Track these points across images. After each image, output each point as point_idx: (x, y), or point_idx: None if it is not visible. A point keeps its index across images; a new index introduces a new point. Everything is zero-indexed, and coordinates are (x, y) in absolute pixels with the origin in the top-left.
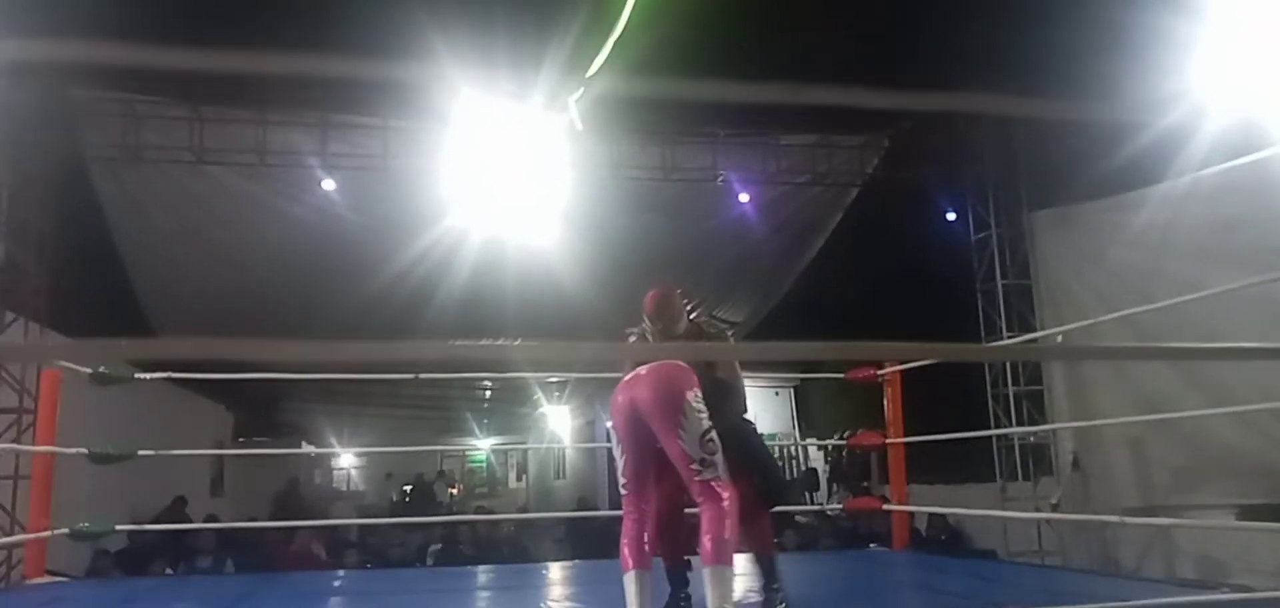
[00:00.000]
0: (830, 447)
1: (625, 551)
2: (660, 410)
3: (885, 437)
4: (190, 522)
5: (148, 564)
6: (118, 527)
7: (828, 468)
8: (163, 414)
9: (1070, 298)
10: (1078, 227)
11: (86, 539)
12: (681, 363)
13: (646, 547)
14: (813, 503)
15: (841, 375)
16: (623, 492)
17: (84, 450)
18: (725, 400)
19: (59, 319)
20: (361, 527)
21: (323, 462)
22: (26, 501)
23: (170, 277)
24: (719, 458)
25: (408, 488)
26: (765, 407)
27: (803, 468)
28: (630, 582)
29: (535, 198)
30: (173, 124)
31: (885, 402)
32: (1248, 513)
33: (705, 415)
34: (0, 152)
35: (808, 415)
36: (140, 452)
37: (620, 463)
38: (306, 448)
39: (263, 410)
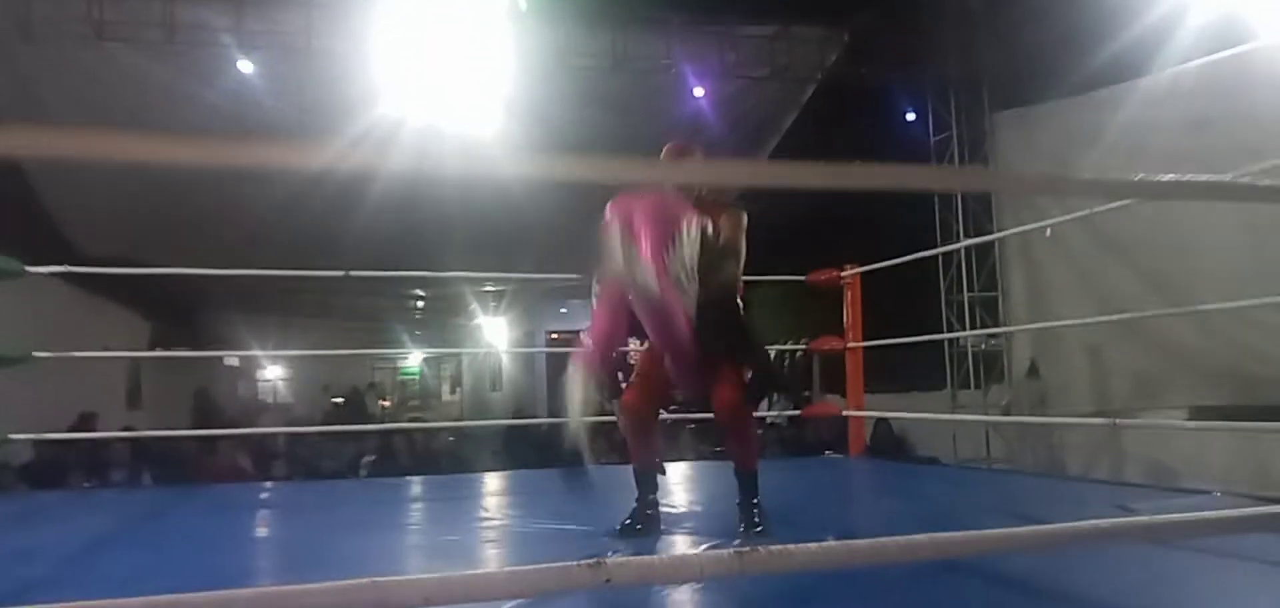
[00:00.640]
0: (775, 355)
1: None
2: (654, 222)
3: (845, 341)
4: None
5: (61, 479)
6: (11, 437)
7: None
8: (69, 322)
9: (1030, 203)
10: (1042, 128)
11: None
12: (685, 199)
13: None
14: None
15: (802, 279)
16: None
17: None
18: (719, 264)
19: None
20: (290, 438)
21: (247, 373)
22: None
23: (72, 171)
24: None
25: (338, 400)
26: None
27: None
28: None
29: (475, 85)
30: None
31: (845, 305)
32: (1198, 415)
33: (696, 253)
34: None
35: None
36: (37, 354)
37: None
38: (226, 356)
39: (182, 319)
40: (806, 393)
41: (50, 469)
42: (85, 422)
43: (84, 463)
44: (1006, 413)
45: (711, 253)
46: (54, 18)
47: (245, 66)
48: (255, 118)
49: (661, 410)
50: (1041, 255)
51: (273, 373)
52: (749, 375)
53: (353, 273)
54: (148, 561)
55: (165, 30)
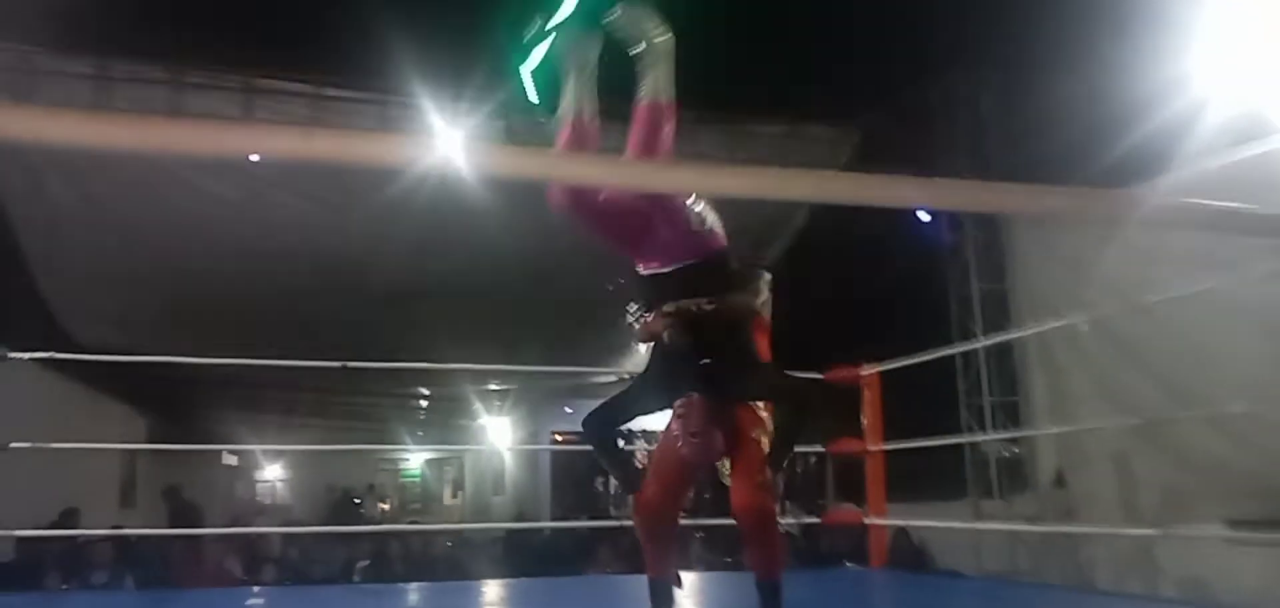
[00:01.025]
0: (785, 463)
1: None
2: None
3: (866, 444)
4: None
5: (39, 580)
6: None
7: (783, 485)
8: (61, 415)
9: (1047, 305)
10: (1054, 229)
11: None
12: None
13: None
14: None
15: (818, 377)
16: None
17: None
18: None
19: None
20: (282, 540)
21: (245, 473)
22: None
23: (72, 257)
24: None
25: (339, 502)
26: None
27: None
28: None
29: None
30: (75, 82)
31: (864, 406)
32: (1236, 529)
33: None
34: None
35: None
36: (14, 444)
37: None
38: (221, 450)
39: (179, 418)
40: (821, 501)
41: (28, 570)
42: (67, 519)
43: (64, 564)
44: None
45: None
46: (60, 102)
47: (253, 156)
48: (264, 211)
49: (680, 512)
50: (1063, 361)
51: (272, 473)
52: (773, 429)
53: (350, 364)
54: None
55: (173, 119)
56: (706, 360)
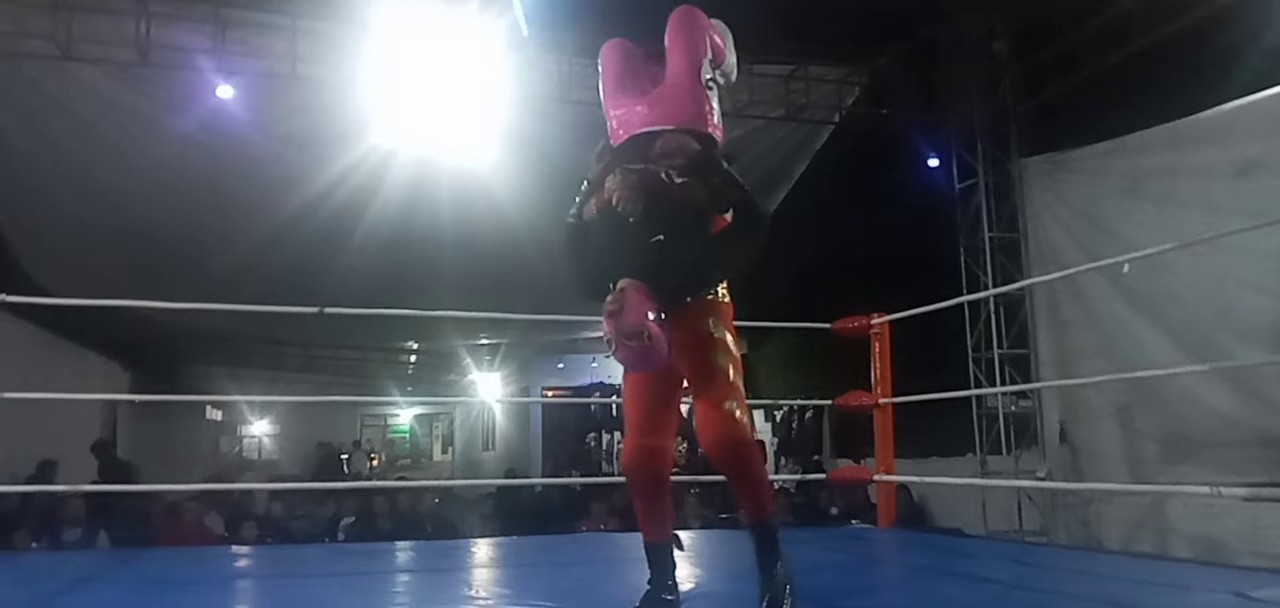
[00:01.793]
0: (779, 418)
1: None
2: None
3: (875, 397)
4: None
5: (8, 538)
6: None
7: (776, 441)
8: (41, 367)
9: (1058, 255)
10: (1072, 175)
11: None
12: None
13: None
14: None
15: (825, 327)
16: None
17: None
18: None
19: None
20: (267, 496)
21: (229, 428)
22: None
23: (34, 203)
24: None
25: (326, 457)
26: None
27: None
28: None
29: (471, 116)
30: (32, 10)
31: (873, 357)
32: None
33: None
34: None
35: (753, 388)
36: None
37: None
38: (202, 400)
39: (163, 372)
40: (816, 457)
41: (3, 525)
42: (44, 472)
43: (36, 521)
44: (1049, 479)
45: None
46: (14, 34)
47: (224, 92)
48: (234, 149)
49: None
50: (1069, 315)
51: (258, 429)
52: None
53: (328, 310)
54: None
55: (138, 51)
56: (660, 237)
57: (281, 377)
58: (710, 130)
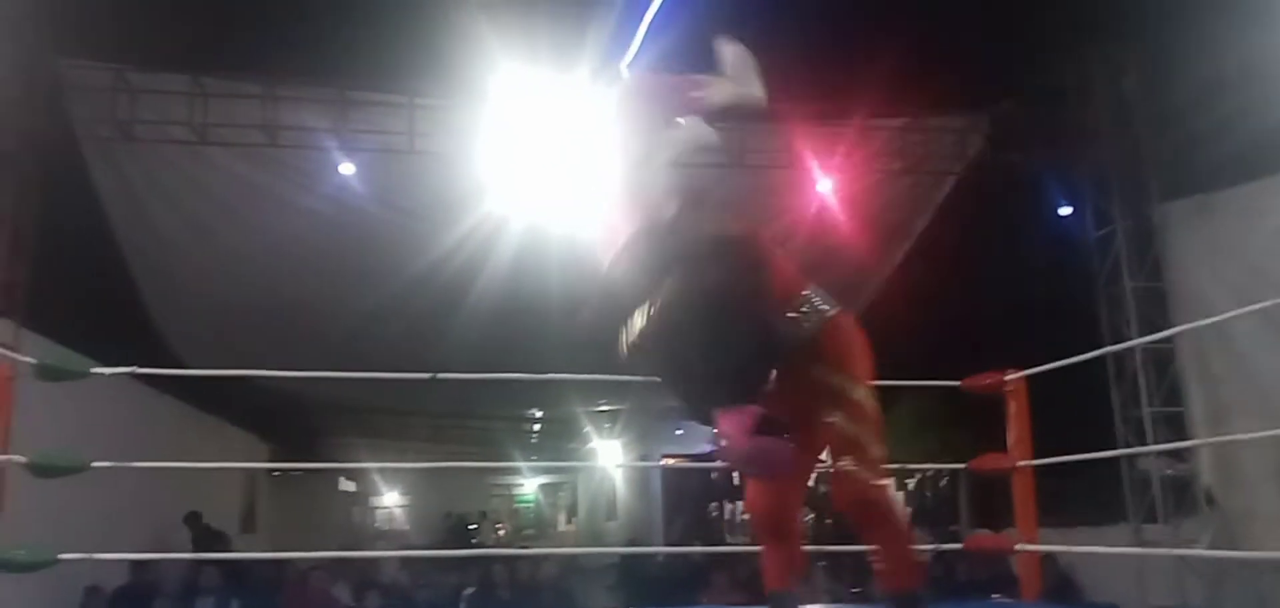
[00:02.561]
0: (913, 485)
1: None
2: None
3: (1012, 460)
4: (205, 545)
5: (149, 603)
6: (62, 555)
7: (909, 510)
8: (183, 441)
9: (1206, 305)
10: (1218, 219)
11: (14, 570)
12: None
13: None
14: None
15: (955, 385)
16: None
17: (21, 459)
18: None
19: (42, 320)
20: (396, 565)
21: (362, 499)
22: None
23: (171, 276)
24: None
25: (454, 527)
26: None
27: None
28: None
29: (583, 183)
30: (170, 99)
31: (1008, 417)
32: None
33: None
34: None
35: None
36: (95, 464)
37: None
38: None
39: (300, 446)
40: (953, 527)
41: (141, 593)
42: (193, 520)
43: (175, 590)
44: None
45: None
46: (156, 121)
47: (346, 168)
48: (355, 222)
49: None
50: (1220, 369)
51: (389, 500)
52: None
53: (441, 375)
54: None
55: (267, 133)
56: None
57: (411, 448)
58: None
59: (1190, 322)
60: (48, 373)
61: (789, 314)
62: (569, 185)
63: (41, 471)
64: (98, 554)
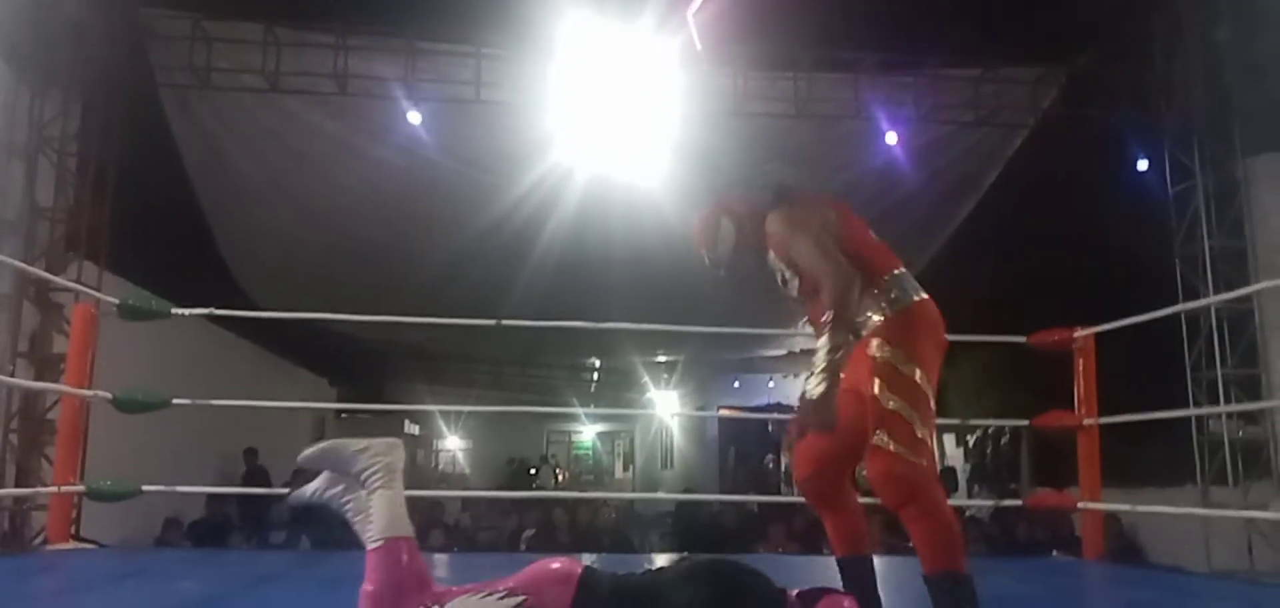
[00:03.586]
0: (973, 443)
1: None
2: None
3: (1078, 417)
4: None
5: (224, 537)
6: (144, 487)
7: (969, 467)
8: (258, 382)
9: None
10: None
11: (103, 499)
12: None
13: None
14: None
15: (1022, 341)
16: None
17: (107, 395)
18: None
19: (123, 263)
20: (458, 507)
21: (426, 442)
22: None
23: (245, 221)
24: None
25: (513, 471)
26: None
27: (939, 467)
28: None
29: (645, 133)
30: (245, 47)
31: (1076, 374)
32: None
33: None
34: (59, 72)
35: (944, 409)
36: (175, 401)
37: None
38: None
39: (368, 390)
40: (1013, 486)
41: (215, 528)
42: (249, 456)
43: (247, 524)
44: None
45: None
46: (232, 69)
47: (414, 118)
48: (423, 171)
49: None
50: None
51: (452, 444)
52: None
53: (505, 321)
54: None
55: (338, 82)
56: None
57: (472, 394)
58: None
59: (1271, 272)
60: (131, 312)
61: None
62: (633, 136)
63: (126, 406)
64: (179, 487)
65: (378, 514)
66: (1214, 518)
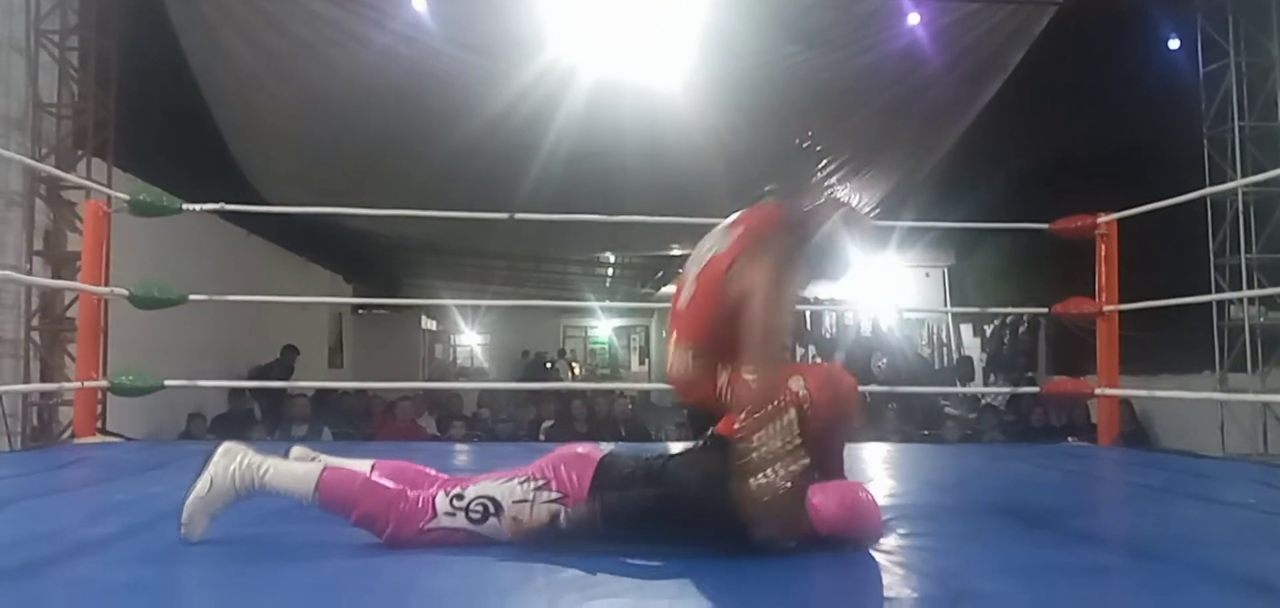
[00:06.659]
0: (990, 331)
1: None
2: None
3: (1099, 304)
4: (292, 375)
5: (247, 430)
6: (166, 382)
7: (985, 356)
8: (272, 279)
9: None
10: None
11: (125, 393)
12: None
13: None
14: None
15: (1046, 227)
16: None
17: (124, 292)
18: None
19: (131, 160)
20: (477, 399)
21: (444, 337)
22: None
23: (250, 114)
24: None
25: (529, 363)
26: (916, 290)
27: (955, 356)
28: None
29: (660, 20)
30: None
31: (1098, 261)
32: None
33: None
34: None
35: (963, 299)
36: (192, 297)
37: None
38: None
39: (384, 286)
40: (1030, 374)
41: (238, 422)
42: (288, 354)
43: (268, 417)
44: None
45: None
46: None
47: (418, 4)
48: (427, 61)
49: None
50: None
51: (469, 339)
52: None
53: (518, 215)
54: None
55: None
56: None
57: (489, 290)
58: None
59: None
60: (142, 209)
61: None
62: (640, 27)
63: (143, 302)
64: (201, 381)
65: (290, 479)
66: (1230, 405)
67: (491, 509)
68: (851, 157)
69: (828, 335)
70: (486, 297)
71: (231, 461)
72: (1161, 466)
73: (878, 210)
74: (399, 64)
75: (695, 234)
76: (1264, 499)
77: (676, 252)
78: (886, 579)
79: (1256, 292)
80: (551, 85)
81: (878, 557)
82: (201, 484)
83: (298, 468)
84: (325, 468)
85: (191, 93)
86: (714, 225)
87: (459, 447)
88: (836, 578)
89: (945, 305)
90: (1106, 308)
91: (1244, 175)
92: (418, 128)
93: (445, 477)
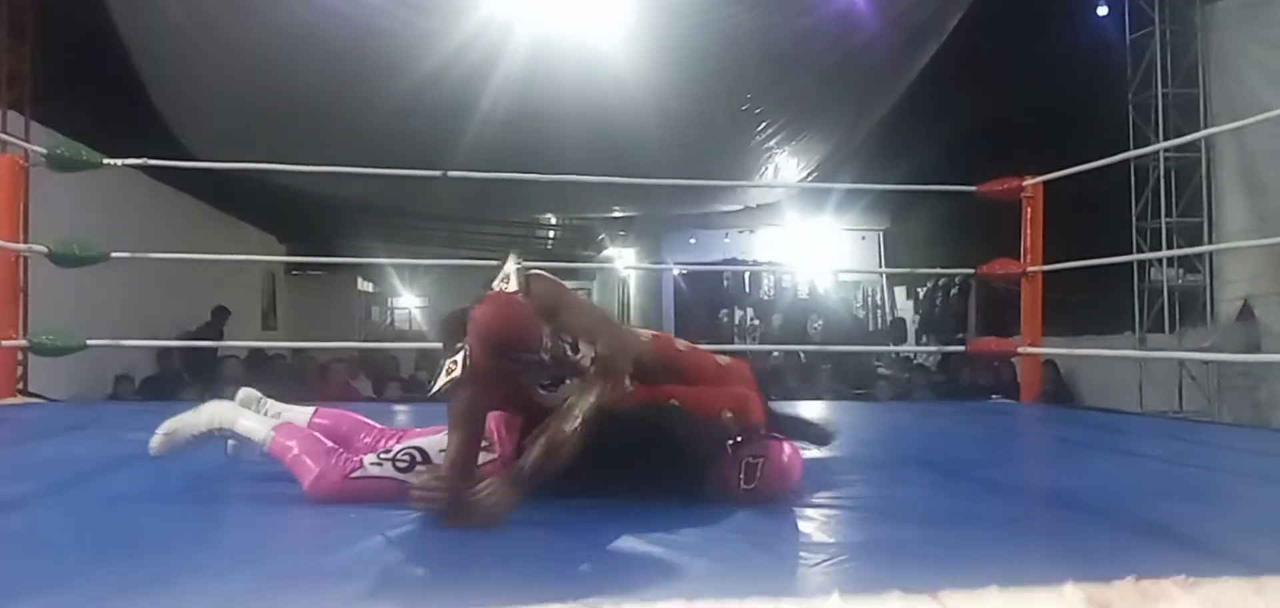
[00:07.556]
0: (923, 294)
1: None
2: None
3: (1023, 265)
4: (223, 338)
5: (176, 391)
6: (89, 341)
7: (918, 318)
8: (204, 238)
9: (1259, 105)
10: (1270, 21)
11: (46, 353)
12: None
13: None
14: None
15: (974, 190)
16: None
17: (42, 249)
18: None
19: (50, 114)
20: (414, 361)
21: (380, 299)
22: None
23: (177, 66)
24: None
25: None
26: (852, 253)
27: (889, 318)
28: None
29: None
30: None
31: (1023, 223)
32: None
33: None
34: None
35: (897, 262)
36: (114, 254)
37: None
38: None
39: (317, 247)
40: (960, 335)
41: (167, 383)
42: (218, 315)
43: (198, 380)
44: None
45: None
46: None
47: None
48: (362, 18)
49: None
50: (1269, 177)
51: (408, 301)
52: None
53: (451, 173)
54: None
55: None
56: None
57: (427, 252)
58: None
59: (1230, 117)
60: (60, 163)
61: None
62: None
63: (62, 260)
64: (125, 340)
65: (252, 426)
66: (1148, 363)
67: (418, 458)
68: (790, 120)
69: (765, 297)
70: (425, 256)
71: (221, 408)
72: (1080, 421)
73: (815, 174)
74: (330, 18)
75: (635, 195)
76: (1172, 452)
77: (618, 214)
78: (807, 527)
79: (1175, 251)
80: (488, 42)
81: (800, 507)
82: (189, 413)
83: (258, 427)
84: (278, 424)
85: (113, 43)
86: (655, 185)
87: (397, 408)
88: (760, 525)
89: (880, 268)
90: (1030, 269)
91: (1164, 139)
92: (352, 84)
93: (380, 427)
